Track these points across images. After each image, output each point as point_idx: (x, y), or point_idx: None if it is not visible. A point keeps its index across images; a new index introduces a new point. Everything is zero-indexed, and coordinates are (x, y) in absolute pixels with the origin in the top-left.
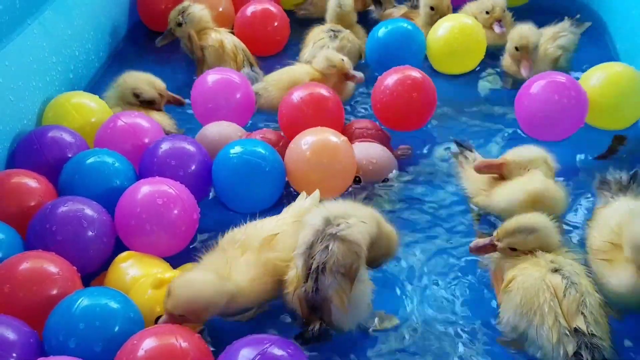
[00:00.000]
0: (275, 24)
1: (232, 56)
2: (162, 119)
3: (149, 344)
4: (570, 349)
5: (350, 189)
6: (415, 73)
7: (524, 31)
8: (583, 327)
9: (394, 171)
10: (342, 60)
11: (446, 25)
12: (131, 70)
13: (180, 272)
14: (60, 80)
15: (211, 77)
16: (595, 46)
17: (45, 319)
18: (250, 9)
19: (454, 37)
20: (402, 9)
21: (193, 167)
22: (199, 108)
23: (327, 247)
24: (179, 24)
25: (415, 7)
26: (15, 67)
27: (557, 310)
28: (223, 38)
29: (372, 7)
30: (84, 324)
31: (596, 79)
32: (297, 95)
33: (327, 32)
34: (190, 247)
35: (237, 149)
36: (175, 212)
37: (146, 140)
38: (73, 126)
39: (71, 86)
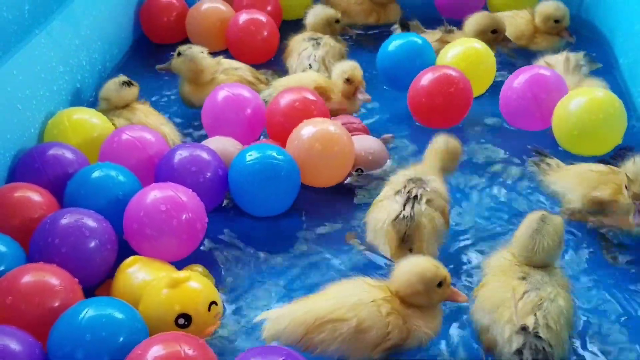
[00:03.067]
0: (265, 33)
1: (258, 81)
2: (169, 130)
3: (154, 352)
4: (514, 346)
5: (349, 179)
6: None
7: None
8: (530, 325)
9: (388, 161)
10: (361, 76)
11: (456, 50)
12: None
13: (190, 271)
14: (67, 90)
15: (222, 92)
16: (599, 62)
17: (48, 331)
18: (241, 19)
19: (457, 61)
20: (436, 34)
21: (209, 175)
22: (209, 123)
23: (422, 185)
24: (179, 54)
25: (450, 31)
26: (23, 76)
27: (512, 308)
28: (240, 75)
29: (395, 27)
30: (91, 335)
31: (575, 105)
32: (284, 100)
33: (309, 40)
34: (198, 249)
35: (253, 153)
36: (178, 219)
37: (151, 153)
38: (74, 142)
39: (78, 95)
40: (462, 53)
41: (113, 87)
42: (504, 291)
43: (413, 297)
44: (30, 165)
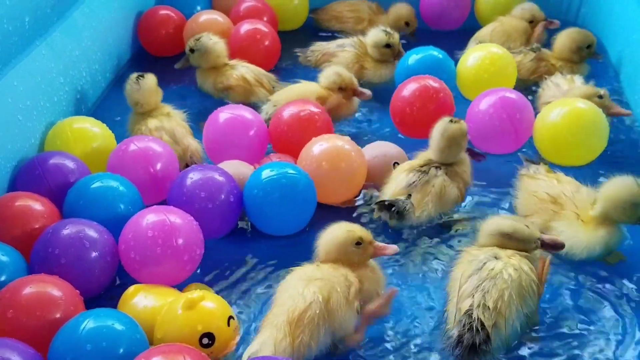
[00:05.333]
0: (267, 42)
1: (258, 84)
2: (194, 143)
3: None
4: (455, 332)
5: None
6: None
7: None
8: (464, 308)
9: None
10: (351, 77)
11: (476, 55)
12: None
13: (200, 290)
14: (68, 100)
15: (223, 114)
16: (597, 71)
17: (49, 342)
18: (243, 29)
19: (485, 67)
20: (529, 54)
21: (222, 197)
22: (211, 147)
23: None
24: (192, 50)
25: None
26: (24, 87)
27: (456, 291)
28: (242, 73)
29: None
30: (91, 346)
31: (555, 115)
32: (287, 113)
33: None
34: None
35: (270, 171)
36: (162, 247)
37: (158, 166)
38: (75, 152)
39: (78, 106)
40: (486, 58)
41: (129, 87)
42: (459, 277)
43: (339, 259)
44: (32, 173)
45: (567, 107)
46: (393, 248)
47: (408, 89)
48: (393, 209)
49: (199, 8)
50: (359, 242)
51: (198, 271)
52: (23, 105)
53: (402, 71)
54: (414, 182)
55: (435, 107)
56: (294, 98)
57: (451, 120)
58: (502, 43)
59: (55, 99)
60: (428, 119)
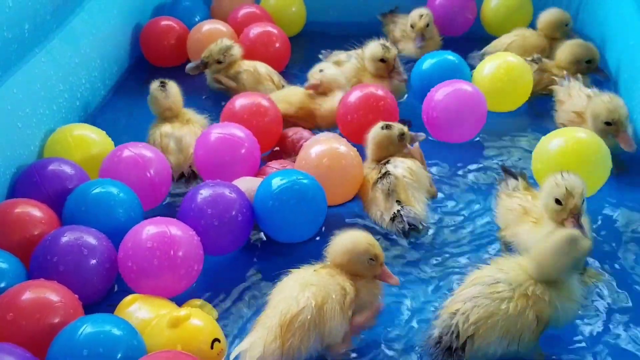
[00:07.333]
0: (277, 45)
1: (269, 78)
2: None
3: None
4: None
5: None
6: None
7: (613, 104)
8: (445, 313)
9: None
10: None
11: (492, 64)
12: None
13: (191, 308)
14: (67, 108)
15: (214, 134)
16: (595, 77)
17: (47, 347)
18: (253, 31)
19: (500, 76)
20: (533, 65)
21: (232, 214)
22: (202, 165)
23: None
24: (219, 62)
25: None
26: (23, 94)
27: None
28: (255, 64)
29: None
30: (88, 351)
31: (555, 145)
32: (238, 103)
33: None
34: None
35: (280, 180)
36: (159, 260)
37: (151, 172)
38: (74, 158)
39: (77, 113)
40: (501, 67)
41: (157, 94)
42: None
43: (346, 266)
44: (30, 180)
45: (566, 137)
46: (396, 280)
47: (353, 96)
48: (405, 214)
49: (197, 18)
50: (372, 259)
51: (194, 286)
52: (22, 113)
53: (417, 75)
54: (388, 188)
55: (376, 116)
56: (283, 98)
57: (382, 127)
58: (521, 54)
59: (54, 106)
60: (369, 126)
